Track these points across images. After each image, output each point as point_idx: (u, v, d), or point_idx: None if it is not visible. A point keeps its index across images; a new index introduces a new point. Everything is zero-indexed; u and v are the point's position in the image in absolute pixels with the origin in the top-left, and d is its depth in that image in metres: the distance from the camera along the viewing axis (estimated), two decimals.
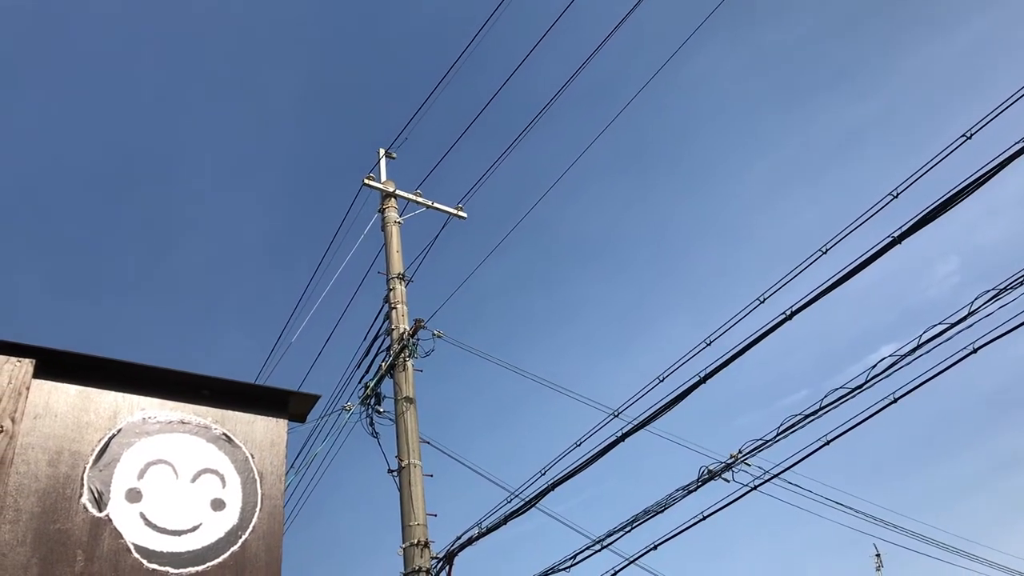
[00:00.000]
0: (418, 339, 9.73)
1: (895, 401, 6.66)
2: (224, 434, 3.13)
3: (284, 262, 36.33)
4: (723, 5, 9.21)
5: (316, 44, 36.17)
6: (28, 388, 2.90)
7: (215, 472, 3.03)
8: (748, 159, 31.85)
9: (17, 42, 31.72)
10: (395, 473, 9.12)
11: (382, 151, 11.74)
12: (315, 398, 3.30)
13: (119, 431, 2.98)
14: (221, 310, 36.93)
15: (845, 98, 29.68)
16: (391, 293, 10.43)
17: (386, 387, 9.86)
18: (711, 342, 7.53)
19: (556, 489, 8.21)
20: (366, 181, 11.33)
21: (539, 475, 8.26)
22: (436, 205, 11.52)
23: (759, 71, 30.79)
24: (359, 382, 10.21)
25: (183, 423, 3.09)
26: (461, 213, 11.49)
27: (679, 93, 28.88)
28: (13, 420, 2.84)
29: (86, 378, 3.02)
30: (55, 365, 2.99)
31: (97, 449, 2.91)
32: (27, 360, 2.95)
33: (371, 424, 9.65)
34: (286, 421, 3.29)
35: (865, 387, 6.78)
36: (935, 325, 6.49)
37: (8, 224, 34.33)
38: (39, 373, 2.96)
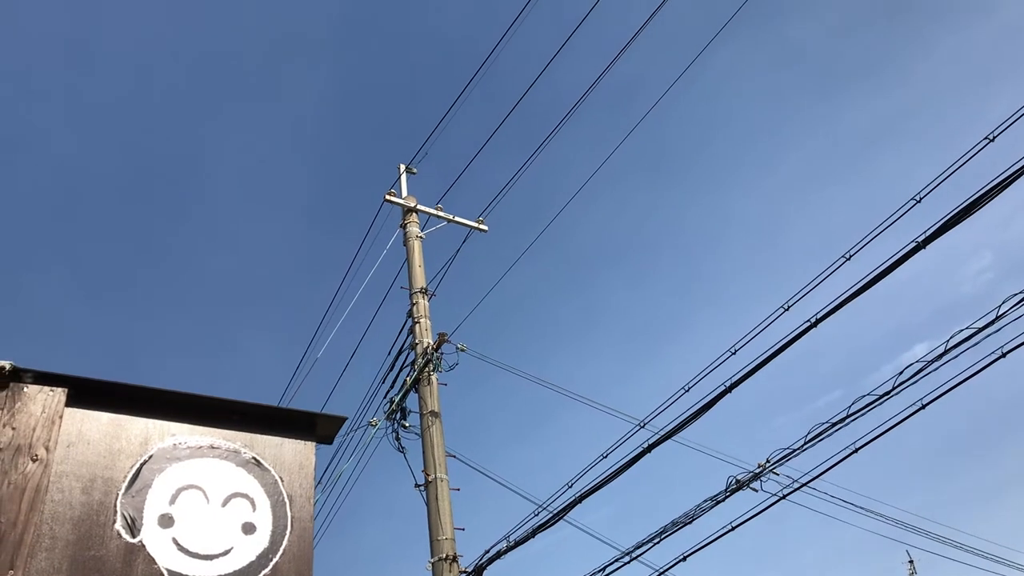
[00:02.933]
0: (442, 353, 9.77)
1: (923, 407, 6.60)
2: (253, 458, 3.17)
3: (308, 277, 36.56)
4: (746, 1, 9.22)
5: (337, 59, 36.44)
6: (61, 417, 2.95)
7: (245, 496, 3.06)
8: (773, 157, 31.70)
9: (43, 54, 32.24)
10: (422, 488, 9.15)
11: (402, 167, 11.82)
12: (342, 420, 3.33)
13: (150, 457, 3.02)
14: (247, 325, 37.21)
15: (871, 92, 29.46)
16: (414, 307, 10.48)
17: (411, 401, 9.92)
18: (736, 351, 7.51)
19: (584, 501, 8.20)
20: (387, 197, 11.40)
21: (566, 487, 8.27)
22: (457, 219, 11.58)
23: (783, 67, 30.66)
24: (384, 397, 10.26)
25: (213, 448, 3.13)
26: (482, 227, 11.54)
27: (701, 92, 28.82)
28: (47, 449, 2.89)
29: (118, 405, 3.07)
30: (87, 393, 3.04)
31: (129, 475, 2.95)
32: (60, 389, 3.00)
33: (397, 439, 9.70)
34: (314, 443, 3.32)
35: (893, 393, 6.73)
36: (963, 329, 6.44)
37: (39, 237, 34.82)
38: (72, 401, 3.01)
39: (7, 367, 2.95)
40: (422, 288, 10.60)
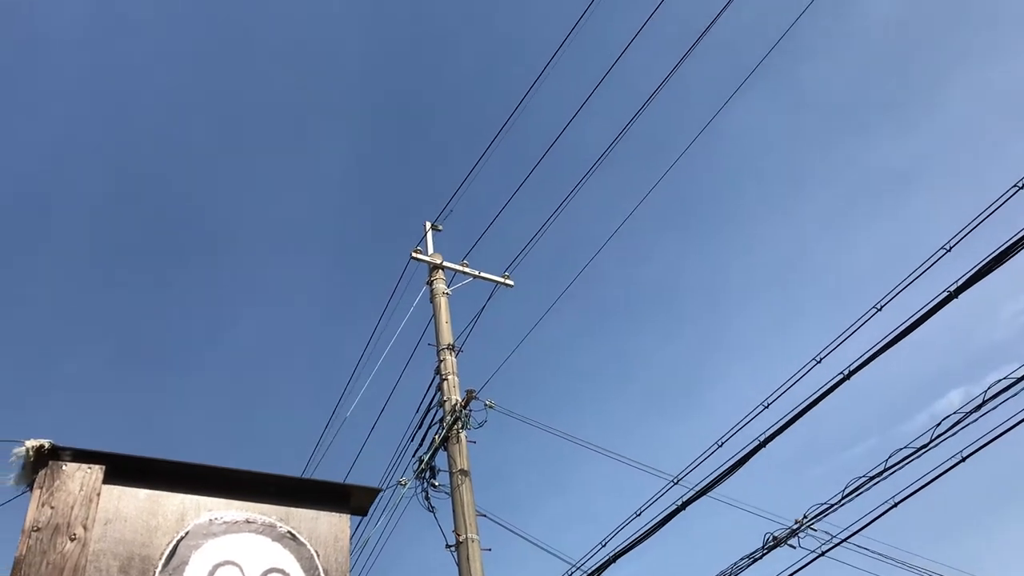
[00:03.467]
0: (470, 410, 9.74)
1: (963, 460, 6.47)
2: (289, 532, 3.16)
3: (336, 335, 36.72)
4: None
5: (363, 117, 37.06)
6: (99, 494, 2.97)
7: (282, 572, 3.05)
8: (797, 203, 31.59)
9: (74, 111, 33.07)
10: (453, 548, 9.04)
11: (428, 224, 11.93)
12: (376, 492, 3.32)
13: (187, 533, 3.02)
14: (275, 384, 37.36)
15: (896, 134, 29.36)
16: (441, 364, 10.49)
17: (440, 460, 9.86)
18: (769, 404, 7.43)
19: (617, 560, 8.08)
20: (414, 255, 11.49)
21: (600, 546, 8.15)
22: (483, 275, 11.63)
23: (804, 111, 30.68)
24: (413, 455, 10.22)
25: (249, 522, 3.12)
26: (508, 281, 11.58)
27: (723, 140, 28.86)
28: (85, 527, 2.90)
29: (154, 481, 3.08)
30: (124, 470, 3.05)
31: (166, 553, 2.95)
32: (97, 466, 3.01)
33: (427, 498, 9.63)
34: (348, 516, 3.31)
35: (930, 446, 6.61)
36: (1001, 380, 6.35)
37: (70, 305, 35.35)
38: (109, 478, 3.02)
39: (46, 445, 2.98)
40: (449, 345, 10.61)
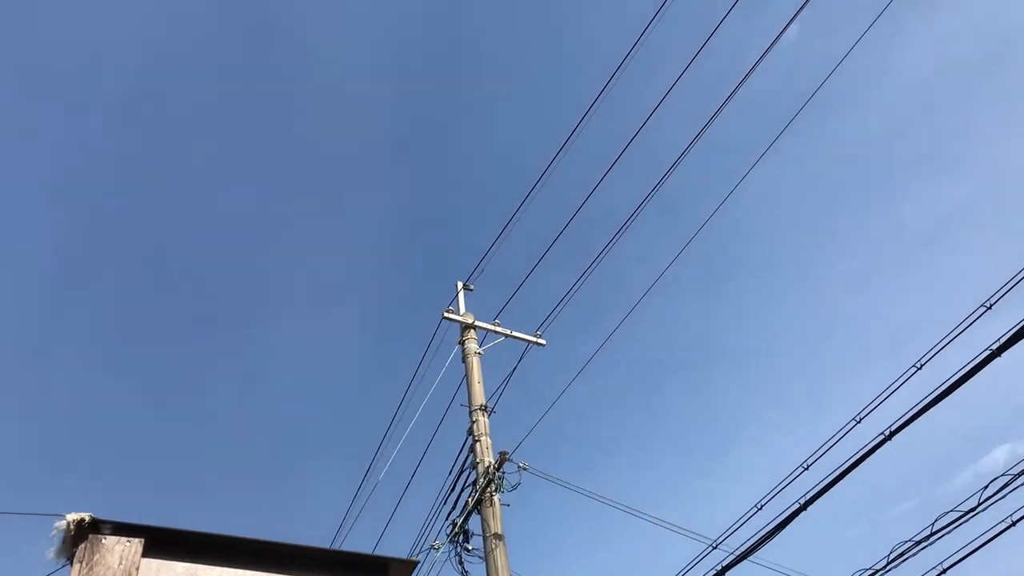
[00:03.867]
0: (504, 472, 9.63)
1: (1013, 525, 6.28)
2: None
3: (367, 395, 36.76)
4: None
5: (393, 178, 37.59)
6: (138, 568, 2.96)
7: None
8: (830, 260, 31.33)
9: (115, 183, 33.82)
10: None
11: (460, 284, 11.97)
12: (414, 564, 3.28)
13: None
14: (308, 445, 37.33)
15: (929, 188, 29.12)
16: (474, 425, 10.42)
17: (473, 523, 9.74)
18: (809, 466, 7.29)
19: None
20: (446, 314, 11.52)
21: None
22: (515, 334, 11.62)
23: (835, 168, 30.58)
24: (446, 518, 10.11)
25: None
26: (540, 340, 11.56)
27: (753, 198, 28.83)
28: None
29: (192, 554, 3.07)
30: (162, 542, 3.05)
31: None
32: (136, 540, 3.01)
33: (460, 563, 9.49)
34: None
35: (978, 510, 6.43)
36: None
37: (111, 365, 35.76)
38: (148, 551, 3.02)
39: (87, 519, 2.99)
40: (482, 405, 10.56)
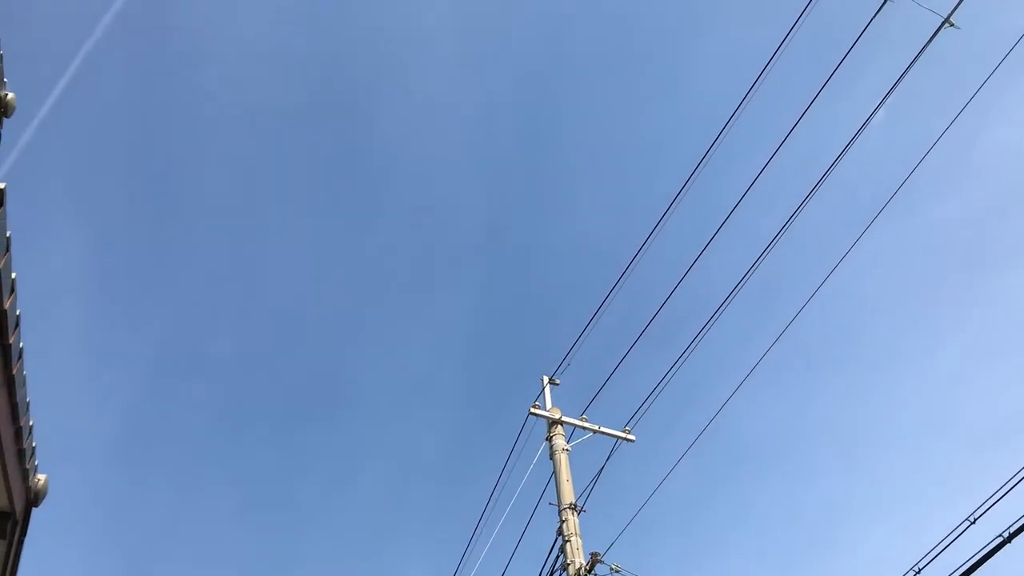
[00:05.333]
0: (595, 574, 9.34)
1: None
2: None
3: (454, 491, 36.54)
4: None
5: (477, 273, 38.14)
6: None
7: None
8: (930, 346, 30.08)
9: (211, 281, 35.19)
10: None
11: (545, 379, 11.90)
12: None
13: None
14: (394, 540, 37.13)
15: None
16: (563, 525, 10.18)
17: None
18: (920, 570, 6.84)
19: None
20: (532, 410, 11.43)
21: None
22: (603, 429, 11.42)
23: (933, 250, 29.64)
24: None
25: None
26: (629, 436, 11.32)
27: (848, 282, 28.08)
28: None
29: None
30: None
31: None
32: None
33: None
34: None
35: None
36: None
37: (208, 454, 36.60)
38: None
39: None
40: (571, 504, 10.33)
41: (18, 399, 4.54)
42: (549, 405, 11.65)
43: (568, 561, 9.77)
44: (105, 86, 30.34)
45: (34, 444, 5.12)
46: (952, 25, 7.48)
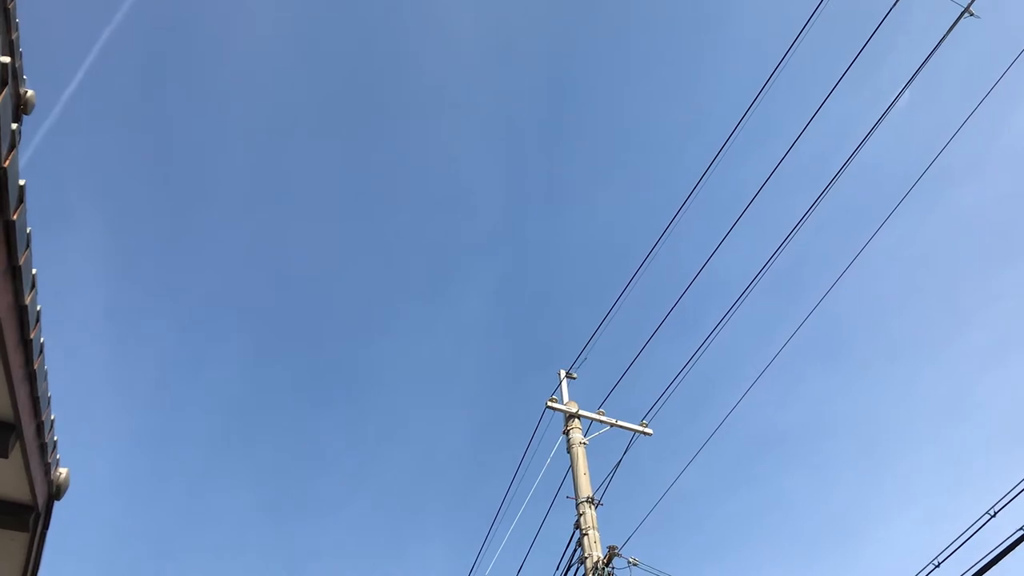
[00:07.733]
0: (613, 568, 9.34)
1: None
2: None
3: (471, 486, 36.66)
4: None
5: (496, 266, 38.16)
6: None
7: None
8: (956, 332, 29.79)
9: (229, 278, 35.38)
10: None
11: (562, 372, 11.89)
12: None
13: None
14: (413, 531, 37.29)
15: None
16: (581, 518, 10.18)
17: None
18: (940, 563, 6.79)
19: None
20: (549, 404, 11.43)
21: None
22: (620, 423, 11.40)
23: (956, 237, 29.32)
24: None
25: None
26: (646, 430, 11.30)
27: (871, 269, 27.83)
28: None
29: None
30: None
31: None
32: None
33: None
34: None
35: None
36: None
37: (226, 449, 36.87)
38: None
39: None
40: (588, 498, 10.33)
41: (39, 393, 4.59)
42: (566, 399, 11.64)
43: (586, 554, 9.77)
44: (122, 81, 30.55)
45: (55, 438, 5.17)
46: (972, 15, 7.39)
